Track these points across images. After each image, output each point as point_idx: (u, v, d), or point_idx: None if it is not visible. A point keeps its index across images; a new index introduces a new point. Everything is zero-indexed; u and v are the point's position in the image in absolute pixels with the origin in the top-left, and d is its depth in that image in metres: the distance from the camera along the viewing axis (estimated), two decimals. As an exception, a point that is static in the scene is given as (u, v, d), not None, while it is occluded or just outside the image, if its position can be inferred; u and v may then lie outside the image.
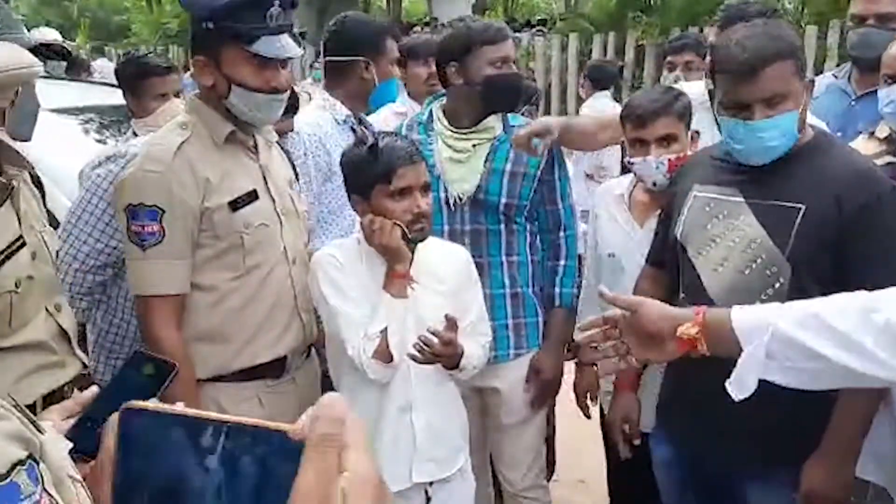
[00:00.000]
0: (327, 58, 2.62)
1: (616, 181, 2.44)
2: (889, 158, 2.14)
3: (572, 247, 2.36)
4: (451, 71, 2.27)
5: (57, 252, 1.67)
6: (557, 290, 2.34)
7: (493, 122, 2.27)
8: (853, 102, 2.63)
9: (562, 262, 2.34)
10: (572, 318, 2.36)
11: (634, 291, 2.11)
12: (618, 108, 5.64)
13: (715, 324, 1.37)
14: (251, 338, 1.89)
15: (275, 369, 1.95)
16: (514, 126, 2.29)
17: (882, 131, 2.19)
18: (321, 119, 2.50)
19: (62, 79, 5.37)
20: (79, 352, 1.67)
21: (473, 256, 2.16)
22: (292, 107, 2.36)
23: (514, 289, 2.29)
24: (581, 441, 2.30)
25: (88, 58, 17.98)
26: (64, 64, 6.51)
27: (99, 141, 3.90)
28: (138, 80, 2.72)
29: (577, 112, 6.82)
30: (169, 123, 1.91)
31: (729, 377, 1.73)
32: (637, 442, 2.11)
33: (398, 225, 1.82)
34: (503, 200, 2.24)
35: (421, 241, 1.90)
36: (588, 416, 2.47)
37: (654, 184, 2.17)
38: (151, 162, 1.78)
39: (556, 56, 10.93)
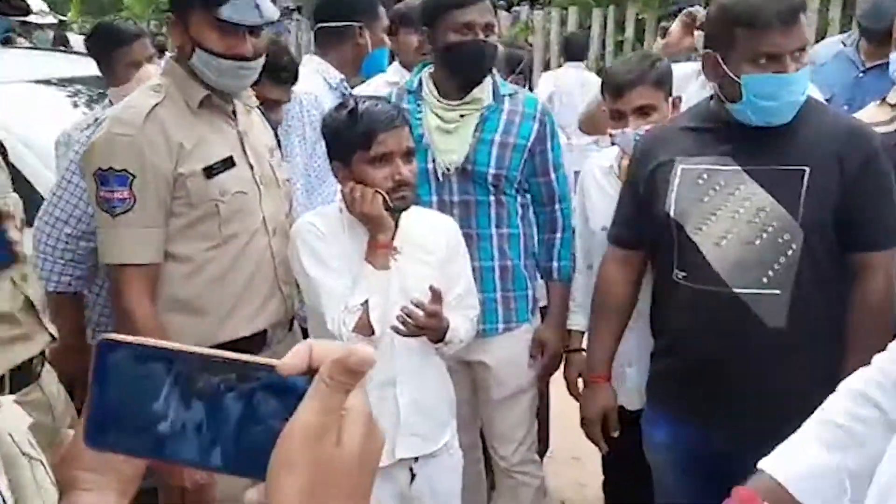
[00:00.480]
0: (321, 23, 2.60)
1: (602, 154, 2.37)
2: None
3: (568, 218, 2.30)
4: (425, 37, 2.22)
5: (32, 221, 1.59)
6: (555, 263, 2.29)
7: (481, 92, 2.19)
8: (861, 74, 2.56)
9: (558, 235, 2.29)
10: (569, 290, 2.32)
11: (601, 276, 2.04)
12: (584, 76, 5.62)
13: (773, 498, 1.16)
14: (230, 311, 1.83)
15: (255, 344, 1.89)
16: (504, 95, 2.22)
17: (894, 97, 2.13)
18: (315, 81, 2.49)
19: (48, 49, 5.29)
20: (47, 323, 1.60)
21: (462, 228, 2.10)
22: (293, 77, 2.30)
23: (504, 261, 2.23)
24: (575, 417, 2.26)
25: (80, 31, 17.83)
26: (51, 35, 6.42)
27: (85, 113, 3.84)
28: (107, 49, 2.64)
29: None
30: (142, 86, 1.83)
31: (734, 348, 1.70)
32: (616, 434, 2.05)
33: (379, 193, 1.75)
34: (492, 171, 2.18)
35: (403, 209, 1.83)
36: (577, 397, 2.42)
37: None
38: (121, 125, 1.71)
39: (556, 30, 10.79)
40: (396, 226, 1.84)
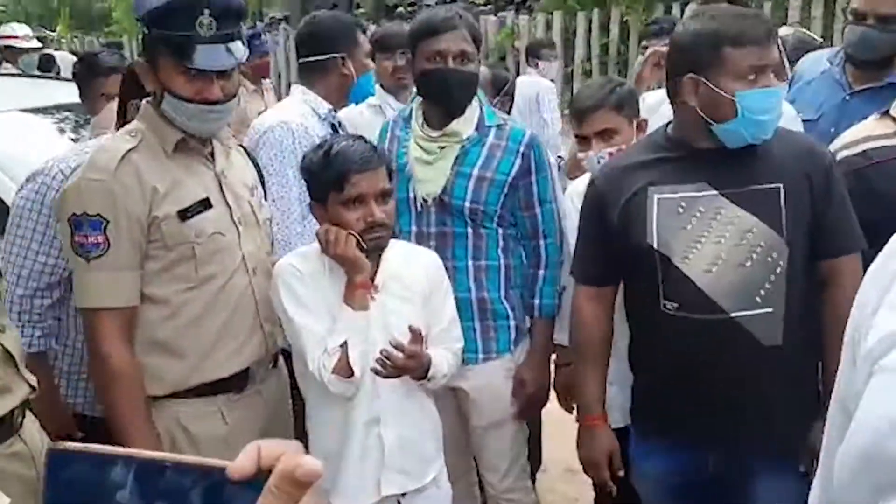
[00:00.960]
0: (303, 58, 2.60)
1: (581, 179, 2.38)
2: None
3: (553, 254, 2.26)
4: (408, 64, 2.26)
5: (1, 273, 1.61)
6: (537, 301, 2.26)
7: (461, 124, 2.18)
8: (848, 97, 2.51)
9: (541, 272, 2.25)
10: (552, 328, 2.30)
11: (576, 316, 2.02)
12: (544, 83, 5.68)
13: None
14: (209, 351, 1.83)
15: (237, 382, 1.90)
16: (490, 126, 2.20)
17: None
18: (304, 112, 2.50)
19: (33, 76, 5.28)
20: (26, 374, 1.61)
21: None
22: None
23: (481, 293, 2.22)
24: (567, 429, 2.27)
25: (69, 47, 17.80)
26: (36, 58, 6.42)
27: (73, 140, 3.84)
28: (86, 79, 2.68)
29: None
30: (120, 130, 1.84)
31: (733, 370, 1.71)
32: (621, 473, 2.03)
33: (352, 235, 1.76)
34: (468, 204, 2.17)
35: (378, 250, 1.83)
36: (570, 411, 2.43)
37: None
38: (95, 170, 1.72)
39: (541, 35, 10.80)
40: (378, 263, 1.84)
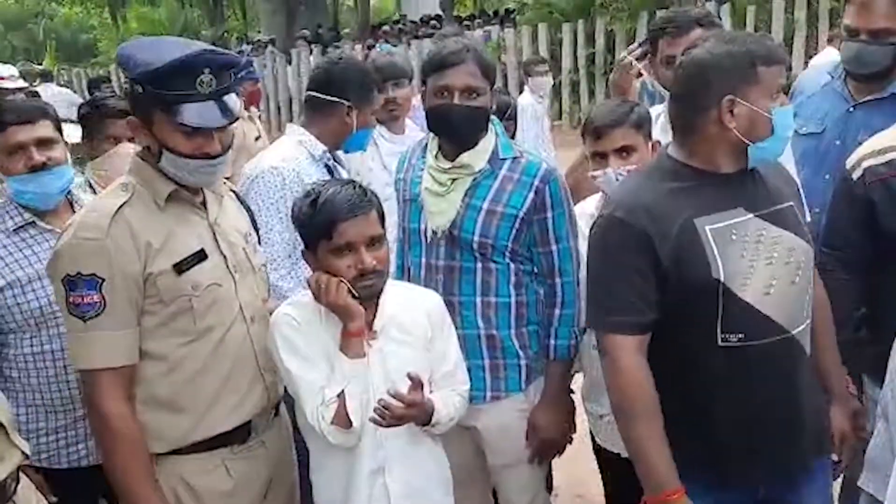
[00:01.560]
0: (312, 92, 2.56)
1: (588, 201, 2.34)
2: None
3: (569, 293, 2.14)
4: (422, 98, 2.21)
5: None
6: (553, 341, 2.15)
7: (472, 157, 2.11)
8: (851, 108, 2.46)
9: (556, 311, 2.15)
10: (569, 370, 2.22)
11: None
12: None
13: None
14: (210, 406, 1.79)
15: (240, 435, 1.84)
16: (504, 159, 2.13)
17: None
18: (298, 154, 2.46)
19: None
20: (17, 440, 1.58)
21: (446, 294, 2.06)
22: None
23: (489, 330, 2.13)
24: (579, 454, 2.22)
25: (57, 79, 17.82)
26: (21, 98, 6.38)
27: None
28: (94, 120, 2.66)
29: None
30: (111, 185, 1.82)
31: (791, 387, 1.75)
32: None
33: (343, 282, 1.72)
34: (477, 238, 2.09)
35: (372, 297, 1.79)
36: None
37: None
38: (87, 229, 1.68)
39: (527, 47, 10.87)
40: (376, 307, 1.79)
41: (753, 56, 1.67)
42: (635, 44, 2.76)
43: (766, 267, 1.70)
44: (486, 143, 2.12)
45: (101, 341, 1.68)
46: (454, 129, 2.10)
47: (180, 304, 1.73)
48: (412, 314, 1.86)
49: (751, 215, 1.71)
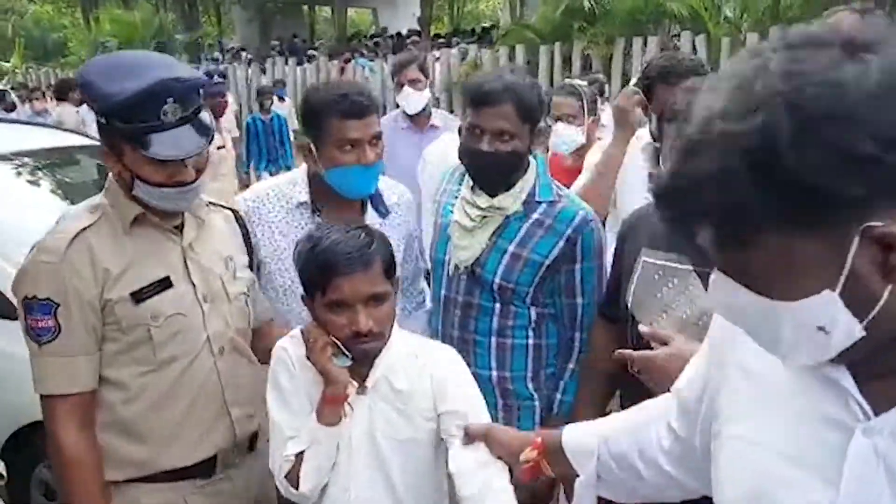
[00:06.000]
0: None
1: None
2: None
3: (586, 352, 2.08)
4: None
5: None
6: (559, 395, 2.09)
7: (506, 200, 2.02)
8: None
9: (570, 366, 2.08)
10: None
11: (591, 342, 2.04)
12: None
13: (552, 447, 1.36)
14: (170, 438, 1.71)
15: (203, 469, 1.76)
16: (540, 202, 2.03)
17: None
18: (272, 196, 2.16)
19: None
20: None
21: (461, 331, 2.02)
22: None
23: (502, 372, 2.06)
24: None
25: (24, 79, 17.50)
26: None
27: (31, 183, 3.73)
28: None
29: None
30: (81, 205, 1.73)
31: None
32: None
33: (333, 343, 1.57)
34: (497, 280, 2.02)
35: (367, 358, 1.61)
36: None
37: None
38: (45, 252, 1.62)
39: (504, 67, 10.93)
40: (372, 360, 1.62)
41: (669, 110, 1.70)
42: (631, 87, 2.79)
43: (678, 318, 1.69)
44: (523, 184, 2.03)
45: (55, 367, 1.62)
46: (481, 172, 2.02)
47: (139, 334, 1.66)
48: (415, 380, 1.64)
49: (688, 266, 1.69)
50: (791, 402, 0.87)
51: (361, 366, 1.60)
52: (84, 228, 1.63)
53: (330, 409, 1.57)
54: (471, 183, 2.08)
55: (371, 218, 2.14)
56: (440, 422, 1.60)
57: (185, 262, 1.73)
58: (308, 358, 1.60)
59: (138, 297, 1.64)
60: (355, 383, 1.60)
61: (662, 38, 10.18)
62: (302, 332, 1.65)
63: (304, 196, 2.09)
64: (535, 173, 2.05)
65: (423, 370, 1.64)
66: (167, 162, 1.59)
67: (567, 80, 3.41)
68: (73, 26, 22.93)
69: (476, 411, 1.61)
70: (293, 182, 2.14)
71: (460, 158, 2.07)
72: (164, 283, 1.68)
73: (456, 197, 2.12)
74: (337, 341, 1.56)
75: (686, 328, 1.68)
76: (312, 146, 2.04)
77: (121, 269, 1.64)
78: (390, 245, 1.67)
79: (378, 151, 2.04)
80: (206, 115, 1.67)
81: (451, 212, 2.11)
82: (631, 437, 1.27)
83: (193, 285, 1.73)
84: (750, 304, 0.80)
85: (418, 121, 3.79)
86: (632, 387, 1.83)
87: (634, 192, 2.45)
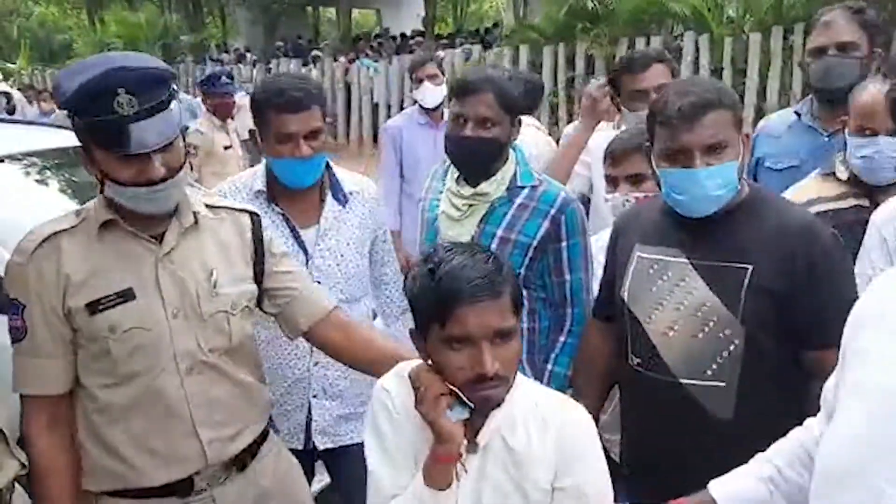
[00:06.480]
0: None
1: (600, 235, 2.34)
2: (854, 201, 2.15)
3: (577, 324, 2.15)
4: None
5: None
6: (550, 366, 2.15)
7: (490, 186, 2.12)
8: (827, 138, 2.52)
9: (562, 338, 2.16)
10: None
11: (584, 344, 2.09)
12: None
13: None
14: (138, 454, 1.65)
15: (180, 488, 1.69)
16: (521, 187, 2.13)
17: (842, 173, 2.18)
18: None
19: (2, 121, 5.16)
20: (17, 451, 1.55)
21: None
22: None
23: None
24: None
25: (30, 80, 17.55)
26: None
27: (39, 182, 3.78)
28: None
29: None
30: (77, 208, 1.72)
31: (688, 438, 1.72)
32: None
33: (447, 393, 1.36)
34: None
35: (489, 408, 1.39)
36: None
37: None
38: (17, 252, 1.62)
39: (508, 68, 10.96)
40: (487, 413, 1.40)
41: (658, 112, 1.72)
42: (599, 81, 2.92)
43: (673, 310, 1.74)
44: (506, 171, 2.13)
45: (24, 367, 1.63)
46: (465, 159, 2.12)
47: (99, 346, 1.61)
48: (534, 441, 1.40)
49: (685, 260, 1.74)
50: None
51: (476, 416, 1.39)
52: (58, 232, 1.62)
53: (440, 469, 1.37)
54: (455, 175, 2.17)
55: (330, 206, 2.21)
56: (554, 497, 1.39)
57: (156, 273, 1.64)
58: (417, 407, 1.39)
59: (94, 308, 1.59)
60: (466, 440, 1.39)
61: (665, 38, 10.21)
62: (410, 376, 1.43)
63: (261, 185, 2.15)
64: (516, 162, 2.15)
65: (545, 430, 1.41)
66: (132, 158, 1.53)
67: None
68: (78, 28, 22.98)
69: (601, 491, 1.42)
70: (255, 172, 2.23)
71: (445, 149, 2.15)
72: (125, 295, 1.60)
73: (441, 192, 2.20)
74: (455, 388, 1.35)
75: (682, 319, 1.73)
76: (259, 136, 2.12)
77: (83, 276, 1.60)
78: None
79: (316, 146, 2.08)
80: (176, 109, 1.59)
81: (438, 206, 2.19)
82: (793, 455, 1.34)
83: (162, 299, 1.64)
84: None
85: (435, 115, 3.94)
86: (631, 385, 1.89)
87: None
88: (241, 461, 1.78)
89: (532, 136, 3.35)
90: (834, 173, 2.21)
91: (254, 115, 2.12)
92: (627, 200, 2.15)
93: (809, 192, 2.19)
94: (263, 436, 1.84)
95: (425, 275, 1.37)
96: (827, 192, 2.17)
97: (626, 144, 2.19)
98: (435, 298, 1.33)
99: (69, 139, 4.00)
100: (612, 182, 2.22)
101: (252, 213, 1.83)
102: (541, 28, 11.62)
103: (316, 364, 2.19)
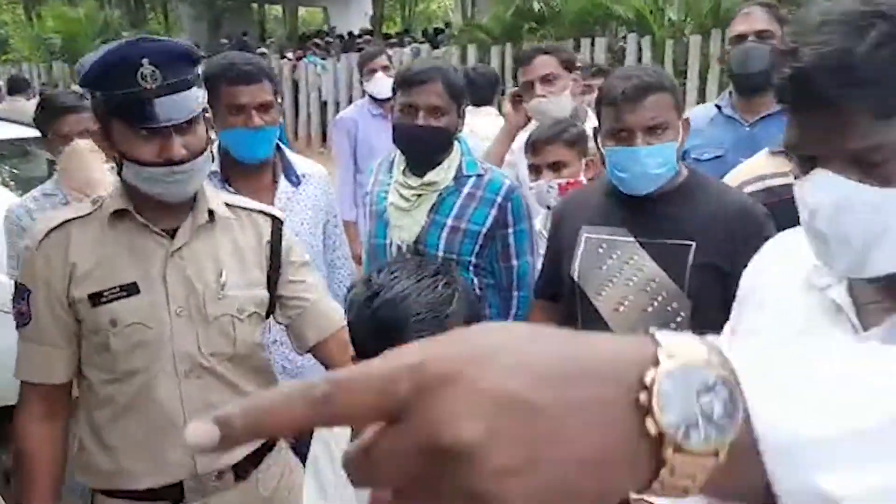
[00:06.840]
0: None
1: (536, 220, 2.48)
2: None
3: (522, 307, 2.23)
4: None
5: None
6: None
7: (438, 175, 2.17)
8: (748, 128, 2.62)
9: (508, 322, 2.24)
10: None
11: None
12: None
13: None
14: (131, 455, 1.62)
15: (171, 493, 1.65)
16: (467, 176, 2.19)
17: None
18: None
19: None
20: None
21: None
22: None
23: None
24: None
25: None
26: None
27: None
28: (45, 121, 2.56)
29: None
30: (87, 198, 1.70)
31: None
32: None
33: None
34: (440, 254, 2.14)
35: None
36: None
37: (548, 206, 2.34)
38: (29, 238, 1.62)
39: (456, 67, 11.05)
40: None
41: (605, 93, 1.83)
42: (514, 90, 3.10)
43: (623, 286, 1.85)
44: (452, 161, 2.20)
45: (27, 353, 1.62)
46: (416, 148, 2.17)
47: (100, 339, 1.58)
48: None
49: (631, 238, 1.85)
50: (793, 324, 1.03)
51: None
52: (71, 219, 1.61)
53: None
54: (402, 167, 2.23)
55: (284, 188, 2.27)
56: None
57: (164, 269, 1.60)
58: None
59: (96, 299, 1.56)
60: None
61: (609, 39, 10.44)
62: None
63: (214, 166, 2.10)
64: (460, 151, 2.23)
65: None
66: (153, 135, 1.49)
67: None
68: (14, 23, 22.26)
69: None
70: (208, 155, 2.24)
71: (394, 139, 2.20)
72: (129, 289, 1.57)
73: (388, 184, 2.25)
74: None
75: (633, 294, 1.84)
76: (209, 112, 2.13)
77: (89, 266, 1.57)
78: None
79: (268, 119, 2.15)
80: (196, 92, 1.56)
81: (386, 198, 2.24)
82: None
83: (167, 296, 1.60)
84: (861, 197, 0.84)
85: (387, 107, 3.98)
86: None
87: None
88: (242, 470, 1.71)
89: (493, 122, 3.50)
90: (784, 151, 2.31)
91: (207, 91, 2.13)
92: (551, 187, 2.30)
93: (760, 169, 2.25)
94: (269, 446, 1.78)
95: (362, 303, 1.22)
96: (775, 168, 2.23)
97: (545, 133, 2.34)
98: (373, 329, 1.19)
99: (11, 131, 4.00)
100: (536, 170, 2.36)
101: (274, 218, 1.76)
102: (488, 28, 11.76)
103: (274, 342, 2.23)
